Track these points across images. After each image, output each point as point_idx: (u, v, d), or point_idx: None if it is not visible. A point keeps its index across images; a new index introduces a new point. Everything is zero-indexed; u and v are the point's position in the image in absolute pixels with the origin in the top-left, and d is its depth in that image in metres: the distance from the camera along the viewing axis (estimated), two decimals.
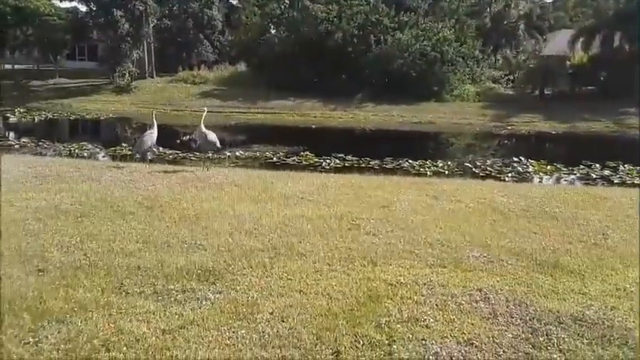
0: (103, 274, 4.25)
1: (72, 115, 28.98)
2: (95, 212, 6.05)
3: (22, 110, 28.71)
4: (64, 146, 16.54)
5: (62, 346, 3.19)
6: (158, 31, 40.75)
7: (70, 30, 39.68)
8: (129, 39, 36.34)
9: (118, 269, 4.35)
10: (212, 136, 9.48)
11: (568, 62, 34.56)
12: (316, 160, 14.74)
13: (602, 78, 33.24)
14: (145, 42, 38.41)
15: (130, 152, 15.13)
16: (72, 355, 3.10)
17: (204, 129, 9.43)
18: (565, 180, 13.22)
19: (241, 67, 39.82)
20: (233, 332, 3.42)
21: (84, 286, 4.00)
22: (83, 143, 16.93)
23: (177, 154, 14.95)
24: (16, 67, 43.31)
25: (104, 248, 4.84)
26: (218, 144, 9.64)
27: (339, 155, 15.02)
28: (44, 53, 41.82)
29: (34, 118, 26.83)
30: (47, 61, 42.67)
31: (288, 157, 15.14)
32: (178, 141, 16.43)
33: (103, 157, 15.20)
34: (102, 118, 28.27)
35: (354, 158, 14.77)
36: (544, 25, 45.87)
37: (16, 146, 16.35)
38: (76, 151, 15.72)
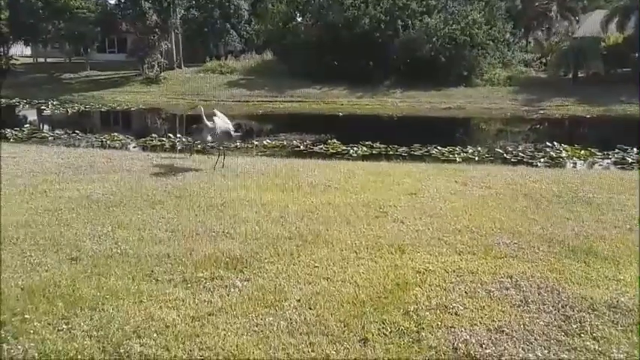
0: (134, 262, 4.33)
1: (103, 106, 29.45)
2: (126, 202, 6.15)
3: (55, 103, 29.32)
4: (95, 137, 16.85)
5: (94, 332, 3.26)
6: (185, 21, 40.99)
7: (100, 22, 40.25)
8: (157, 30, 36.66)
9: (148, 257, 4.42)
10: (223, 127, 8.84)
11: (602, 44, 33.51)
12: (343, 148, 14.67)
13: (637, 60, 32.14)
14: (172, 33, 38.69)
15: (159, 143, 15.35)
16: (104, 342, 3.16)
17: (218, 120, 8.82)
18: (599, 165, 12.87)
19: (268, 56, 39.84)
20: (261, 319, 3.44)
21: (115, 274, 4.08)
22: (114, 134, 17.21)
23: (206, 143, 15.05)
24: (48, 60, 44.17)
25: (134, 237, 4.92)
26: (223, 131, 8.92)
27: (367, 143, 14.91)
28: (75, 46, 42.46)
29: (67, 110, 27.37)
30: (78, 53, 43.39)
31: (315, 146, 15.08)
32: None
33: (134, 147, 15.42)
34: (132, 109, 28.66)
35: (382, 146, 14.64)
36: (577, 6, 44.53)
37: (50, 138, 16.71)
38: (108, 142, 16.00)
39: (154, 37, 36.51)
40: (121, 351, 3.08)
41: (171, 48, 38.75)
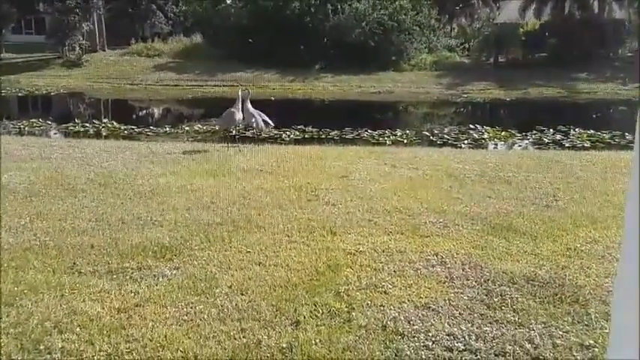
0: (54, 254, 4.13)
1: (20, 91, 27.74)
2: (45, 191, 5.86)
3: None
4: (12, 124, 15.83)
5: (12, 329, 3.09)
6: (108, 1, 39.16)
7: (15, 2, 37.70)
8: (78, 10, 34.76)
9: (69, 249, 4.23)
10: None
11: (521, 29, 35.05)
12: (275, 132, 14.58)
13: (553, 45, 33.86)
14: (94, 14, 36.83)
15: (83, 129, 14.68)
16: (22, 339, 3.00)
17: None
18: (519, 145, 13.48)
19: (197, 38, 38.78)
20: (191, 308, 3.38)
21: (34, 268, 3.88)
22: (33, 120, 16.25)
23: (133, 129, 14.55)
24: None
25: (55, 228, 4.69)
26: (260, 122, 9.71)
27: (299, 127, 14.90)
28: None
29: None
30: None
31: (247, 130, 14.91)
32: (134, 116, 16.00)
33: (55, 134, 14.65)
34: (52, 93, 27.19)
35: (314, 129, 14.67)
36: None
37: None
38: (26, 128, 15.11)
39: (74, 17, 34.55)
40: (41, 347, 2.93)
41: (93, 29, 36.89)
